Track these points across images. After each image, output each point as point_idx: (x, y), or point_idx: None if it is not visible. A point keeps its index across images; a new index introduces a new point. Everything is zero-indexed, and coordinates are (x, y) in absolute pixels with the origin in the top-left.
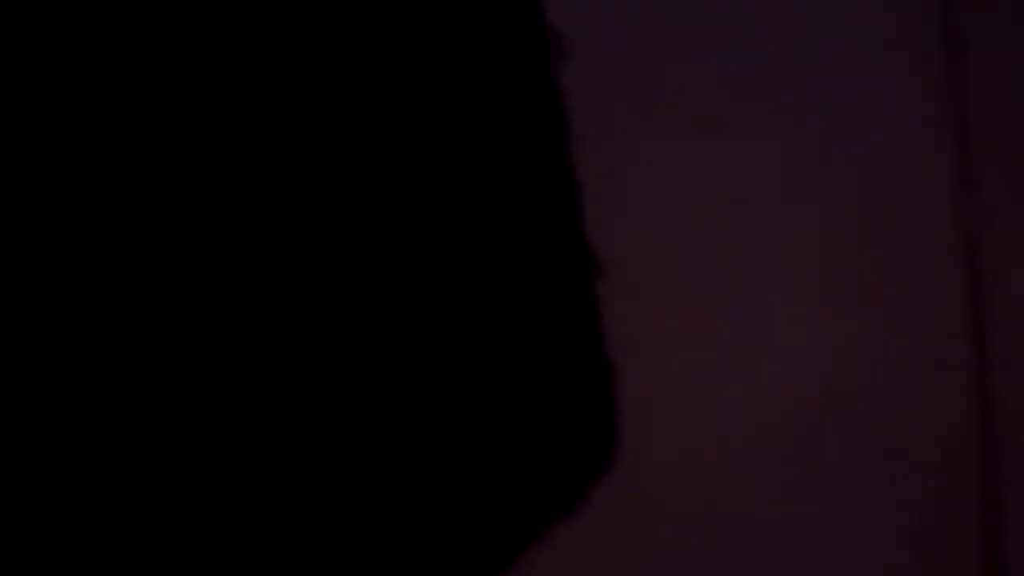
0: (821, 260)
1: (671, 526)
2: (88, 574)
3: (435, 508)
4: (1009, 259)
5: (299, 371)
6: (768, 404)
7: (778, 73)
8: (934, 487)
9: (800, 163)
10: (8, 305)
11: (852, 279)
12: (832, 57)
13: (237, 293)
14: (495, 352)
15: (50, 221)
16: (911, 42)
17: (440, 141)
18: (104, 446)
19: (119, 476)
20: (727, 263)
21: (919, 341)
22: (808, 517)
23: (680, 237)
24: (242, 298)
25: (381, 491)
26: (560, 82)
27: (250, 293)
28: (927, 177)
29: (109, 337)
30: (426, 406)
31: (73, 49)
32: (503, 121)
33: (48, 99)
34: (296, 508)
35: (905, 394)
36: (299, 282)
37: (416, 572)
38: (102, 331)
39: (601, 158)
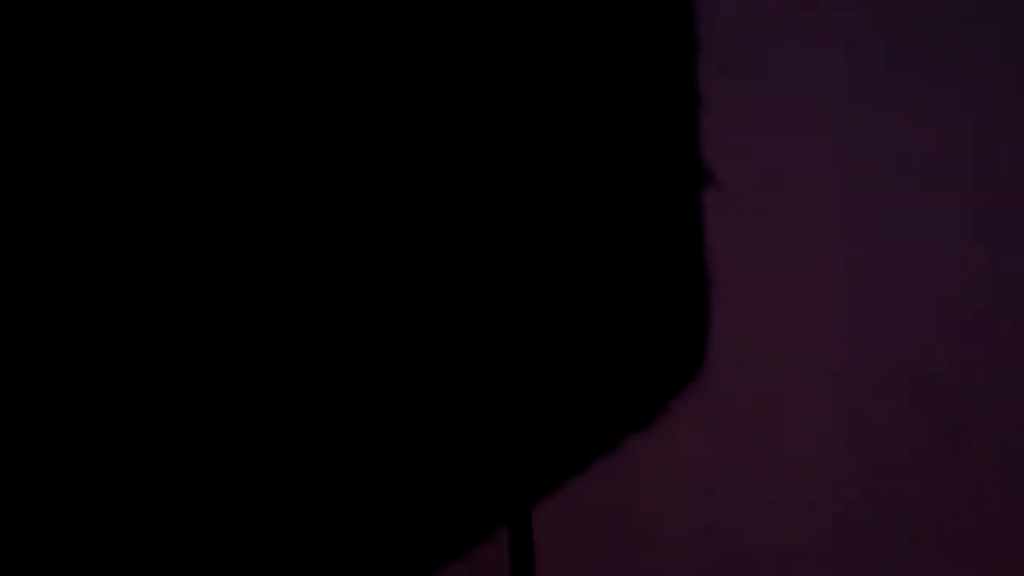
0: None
1: (745, 450)
2: (88, 574)
3: (522, 406)
4: None
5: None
6: (847, 350)
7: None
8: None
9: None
10: (8, 305)
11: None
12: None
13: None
14: (596, 251)
15: (51, 221)
16: None
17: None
18: (104, 446)
19: (119, 476)
20: (839, 201)
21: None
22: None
23: (798, 167)
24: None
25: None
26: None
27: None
28: None
29: (109, 337)
30: (526, 302)
31: (74, 50)
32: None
33: (49, 100)
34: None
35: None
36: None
37: (504, 470)
38: (102, 331)
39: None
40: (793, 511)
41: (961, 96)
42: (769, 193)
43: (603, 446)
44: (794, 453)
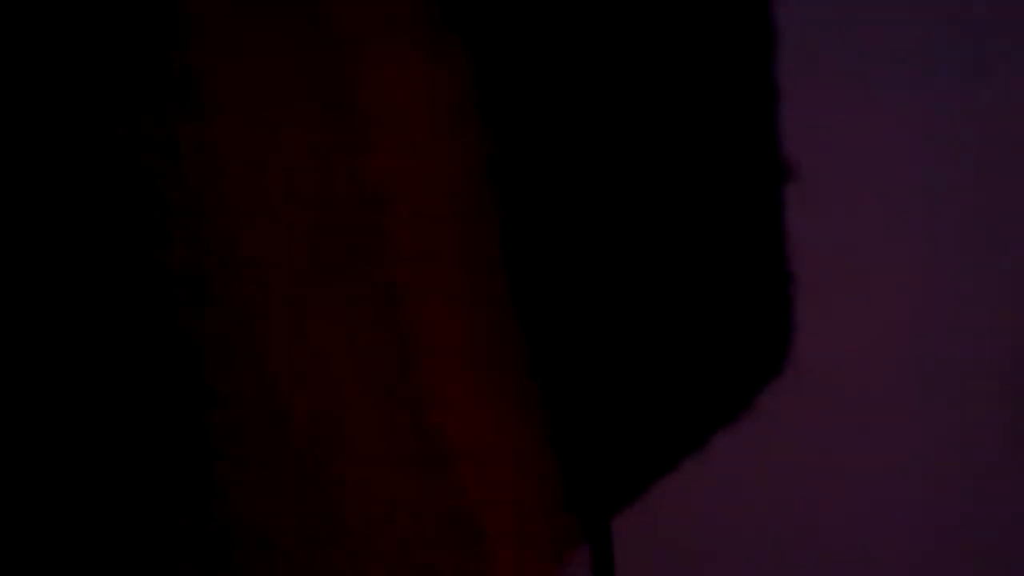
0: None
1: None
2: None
3: (603, 412)
4: None
5: None
6: (934, 338)
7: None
8: None
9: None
10: (8, 305)
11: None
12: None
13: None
14: (679, 251)
15: (50, 221)
16: None
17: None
18: (104, 446)
19: (119, 476)
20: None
21: None
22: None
23: (872, 157)
24: None
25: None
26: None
27: None
28: None
29: (109, 336)
30: (604, 301)
31: (76, 49)
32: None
33: (50, 99)
34: None
35: None
36: None
37: (583, 481)
38: (102, 330)
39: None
40: (888, 510)
41: None
42: (845, 185)
43: (687, 449)
44: (885, 452)
